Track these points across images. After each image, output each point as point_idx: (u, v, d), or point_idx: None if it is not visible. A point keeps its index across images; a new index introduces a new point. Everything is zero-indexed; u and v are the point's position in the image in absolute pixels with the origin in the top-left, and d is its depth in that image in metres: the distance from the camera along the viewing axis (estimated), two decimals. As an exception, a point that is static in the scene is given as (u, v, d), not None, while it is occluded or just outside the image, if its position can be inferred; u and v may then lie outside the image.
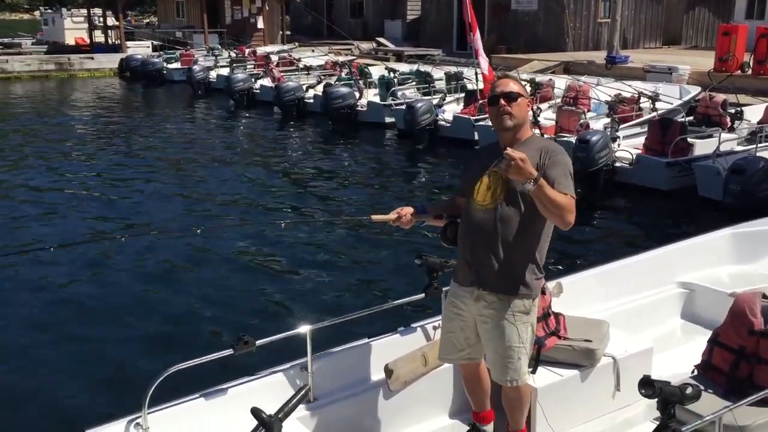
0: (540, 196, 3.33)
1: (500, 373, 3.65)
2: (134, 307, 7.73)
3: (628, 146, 12.18)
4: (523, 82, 3.78)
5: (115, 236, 9.01)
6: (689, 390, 3.23)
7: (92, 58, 32.63)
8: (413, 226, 4.01)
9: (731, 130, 13.01)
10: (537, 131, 11.93)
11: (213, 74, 26.09)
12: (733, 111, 13.53)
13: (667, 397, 3.21)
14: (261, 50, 29.89)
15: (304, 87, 20.62)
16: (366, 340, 4.20)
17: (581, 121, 13.26)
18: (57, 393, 5.99)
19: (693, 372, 4.18)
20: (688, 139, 11.84)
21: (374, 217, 4.05)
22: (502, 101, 3.52)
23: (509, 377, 3.64)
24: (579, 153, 11.14)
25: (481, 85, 15.92)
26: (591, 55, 24.95)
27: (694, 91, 16.32)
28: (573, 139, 12.02)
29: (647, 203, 11.38)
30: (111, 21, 37.34)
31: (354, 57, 29.05)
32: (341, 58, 26.64)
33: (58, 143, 17.37)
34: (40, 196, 12.62)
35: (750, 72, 19.24)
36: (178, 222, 10.77)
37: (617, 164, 11.77)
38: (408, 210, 3.91)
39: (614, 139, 11.97)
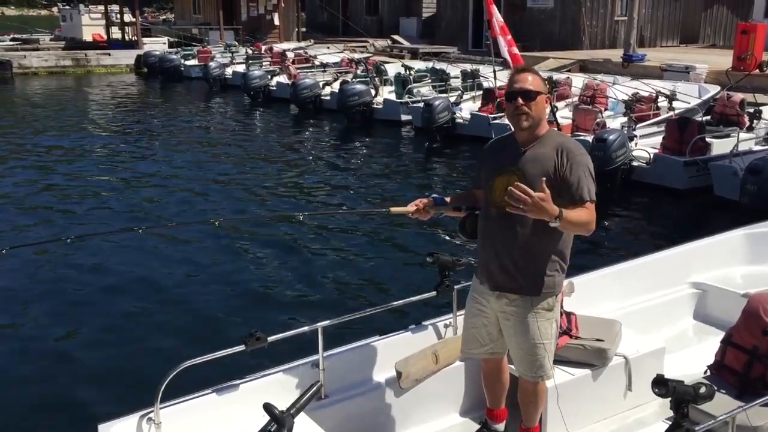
0: (565, 228, 3.30)
1: (526, 369, 3.66)
2: (146, 302, 7.76)
3: (645, 145, 12.11)
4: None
5: (132, 228, 9.06)
6: (703, 389, 3.21)
7: (109, 54, 32.81)
8: (431, 219, 3.99)
9: (749, 129, 12.89)
10: (556, 129, 11.88)
11: (229, 71, 26.20)
12: (751, 110, 13.41)
13: (680, 397, 3.20)
14: (277, 47, 29.96)
15: (321, 84, 20.68)
16: (377, 338, 4.21)
17: (598, 119, 13.22)
18: (70, 388, 6.03)
19: (705, 372, 4.17)
20: (706, 139, 11.76)
21: (393, 209, 4.05)
22: (520, 100, 3.44)
23: (535, 373, 3.65)
24: (596, 152, 11.07)
25: (499, 83, 15.90)
26: (607, 54, 24.80)
27: (713, 90, 16.19)
28: (590, 137, 11.98)
29: (663, 203, 11.32)
30: (128, 17, 37.56)
31: (370, 54, 29.05)
32: (357, 56, 26.65)
33: (78, 138, 17.48)
34: (59, 187, 12.74)
35: (768, 71, 19.09)
36: (194, 216, 10.84)
37: (634, 163, 11.70)
38: (426, 202, 3.89)
39: (631, 138, 11.91)
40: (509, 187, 3.14)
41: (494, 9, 15.08)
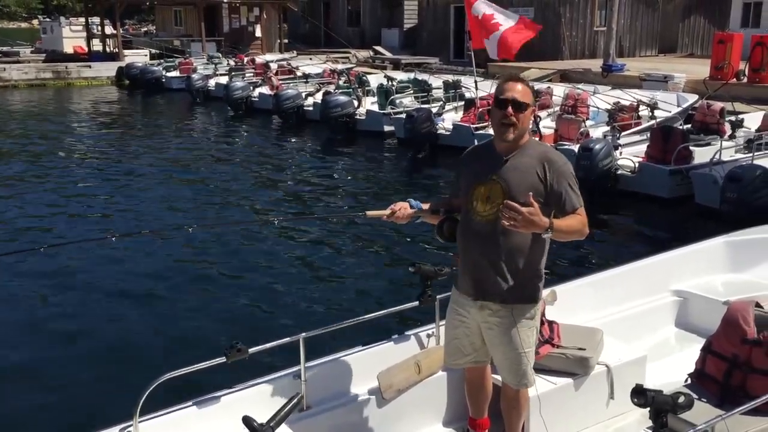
0: (558, 237, 3.35)
1: (512, 377, 3.67)
2: (124, 313, 7.70)
3: (628, 154, 12.20)
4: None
5: (105, 236, 8.97)
6: (681, 399, 3.22)
7: (89, 67, 32.66)
8: (409, 223, 3.95)
9: (731, 138, 13.01)
10: (536, 139, 11.94)
11: (212, 82, 26.16)
12: (733, 119, 13.53)
13: (659, 406, 3.21)
14: (260, 58, 29.96)
15: (303, 95, 20.67)
16: (359, 348, 4.19)
17: (582, 129, 13.29)
18: (46, 402, 5.95)
19: (686, 380, 4.17)
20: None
21: (369, 213, 3.99)
22: (510, 109, 3.40)
23: (519, 381, 3.66)
24: (582, 161, 11.16)
25: (480, 93, 15.96)
26: (587, 63, 24.99)
27: (692, 98, 16.36)
28: (575, 147, 12.04)
29: (648, 211, 11.39)
30: (109, 30, 37.43)
31: (352, 65, 29.12)
32: (340, 66, 26.70)
33: (59, 150, 17.38)
34: (39, 197, 12.73)
35: (745, 80, 19.30)
36: (173, 226, 10.80)
37: (619, 172, 11.77)
38: (403, 205, 3.84)
39: (616, 147, 11.98)
40: (501, 205, 3.19)
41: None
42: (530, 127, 3.57)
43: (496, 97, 3.48)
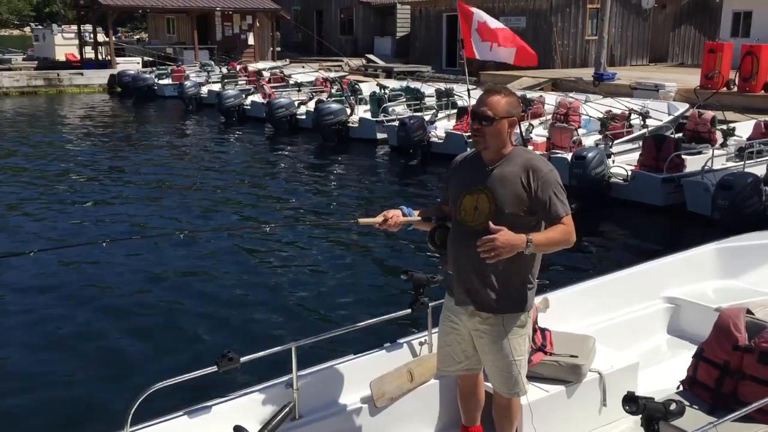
0: (541, 250, 3.37)
1: (503, 385, 3.66)
2: (114, 321, 7.65)
3: (621, 162, 12.24)
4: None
5: (96, 241, 8.94)
6: (673, 406, 3.23)
7: (81, 74, 32.62)
8: (401, 231, 3.95)
9: (723, 146, 13.08)
10: (531, 147, 12.01)
11: (204, 90, 26.17)
12: (724, 127, 13.59)
13: (650, 414, 3.22)
14: (252, 66, 29.99)
15: (296, 103, 20.69)
16: (352, 357, 4.18)
17: (574, 137, 13.32)
18: (36, 411, 5.90)
19: (678, 387, 4.17)
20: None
21: (361, 220, 3.98)
22: (476, 124, 3.48)
23: (510, 389, 3.65)
24: (575, 169, 11.18)
25: (472, 101, 15.96)
26: (579, 72, 25.09)
27: (683, 107, 16.44)
28: (567, 155, 12.07)
29: (641, 219, 11.43)
30: (101, 37, 37.39)
31: (344, 73, 29.17)
32: (332, 75, 26.74)
33: (50, 157, 17.31)
34: (28, 202, 12.66)
35: (735, 89, 19.41)
36: (163, 232, 10.75)
37: (612, 180, 11.80)
38: (395, 212, 3.83)
39: (609, 155, 12.02)
40: (478, 242, 3.23)
41: (473, 14, 14.83)
42: (512, 136, 3.57)
43: (471, 110, 3.57)
